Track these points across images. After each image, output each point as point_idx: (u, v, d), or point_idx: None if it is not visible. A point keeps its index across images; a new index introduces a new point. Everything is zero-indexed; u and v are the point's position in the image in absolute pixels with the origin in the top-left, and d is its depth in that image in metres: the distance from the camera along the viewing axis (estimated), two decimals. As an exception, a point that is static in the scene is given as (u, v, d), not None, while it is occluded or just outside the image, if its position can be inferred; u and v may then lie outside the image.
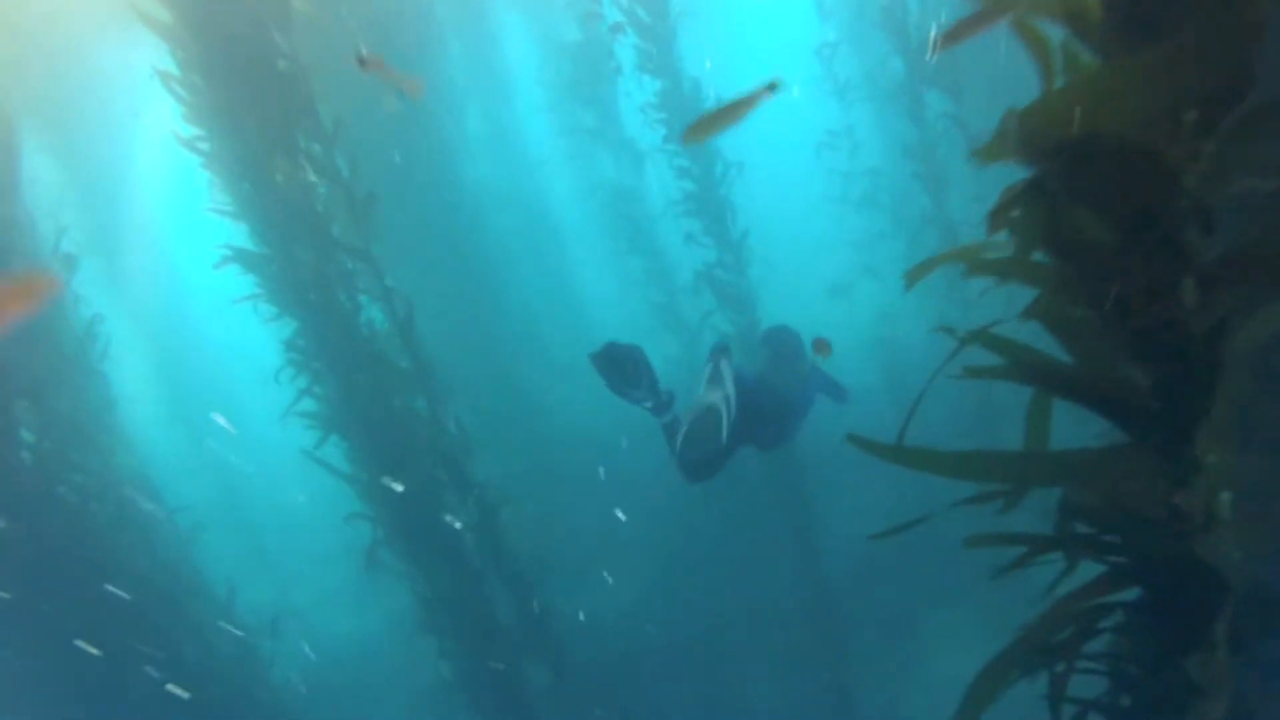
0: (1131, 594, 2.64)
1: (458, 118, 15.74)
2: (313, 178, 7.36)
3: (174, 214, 20.24)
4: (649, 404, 6.25)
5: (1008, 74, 10.45)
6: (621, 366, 5.98)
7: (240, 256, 7.80)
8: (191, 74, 7.31)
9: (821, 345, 7.31)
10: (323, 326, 7.76)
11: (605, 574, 11.82)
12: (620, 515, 11.55)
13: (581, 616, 10.78)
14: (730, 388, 6.31)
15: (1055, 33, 2.32)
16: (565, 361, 15.44)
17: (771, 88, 3.33)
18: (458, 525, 8.29)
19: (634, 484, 12.90)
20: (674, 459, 6.33)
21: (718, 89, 10.75)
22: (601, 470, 12.49)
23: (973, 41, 2.62)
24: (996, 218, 2.44)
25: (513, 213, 16.99)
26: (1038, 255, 2.45)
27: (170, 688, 7.57)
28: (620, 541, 12.27)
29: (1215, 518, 2.34)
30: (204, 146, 7.78)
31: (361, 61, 3.58)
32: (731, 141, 10.70)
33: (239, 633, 9.01)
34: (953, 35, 2.57)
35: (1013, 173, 2.39)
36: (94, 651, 7.13)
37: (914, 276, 3.02)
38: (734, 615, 10.59)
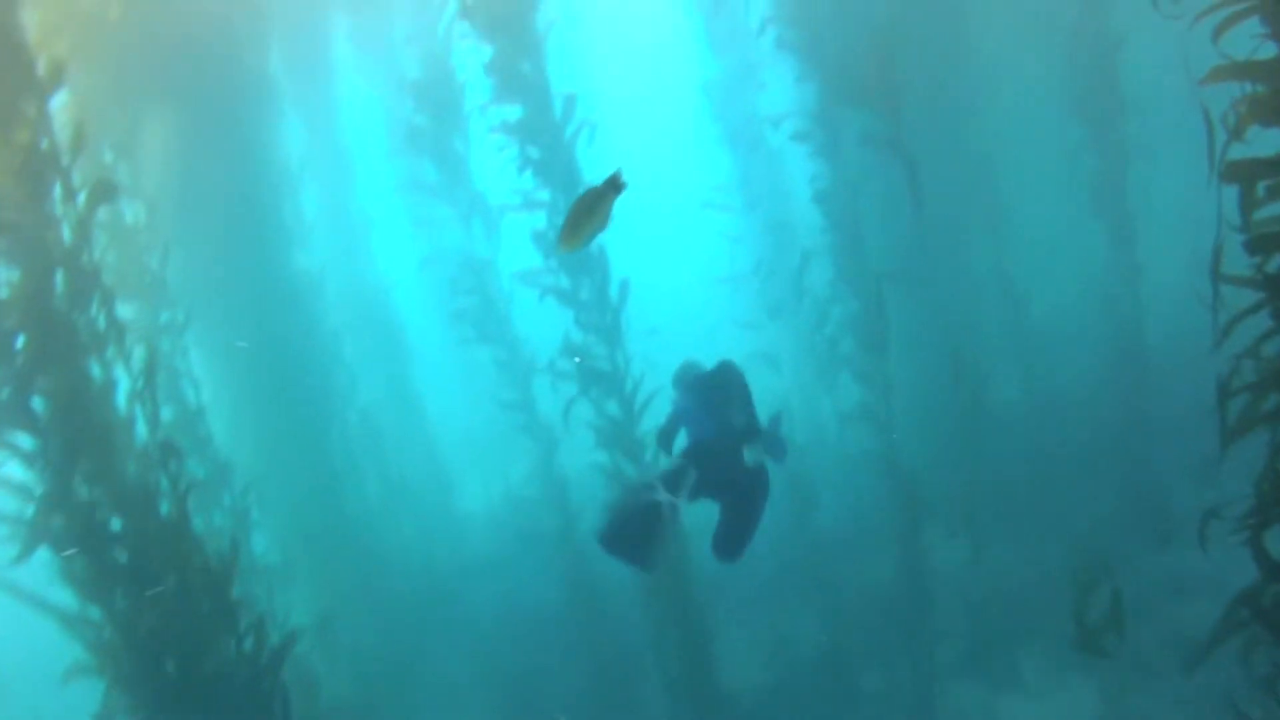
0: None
1: (293, 196, 13.85)
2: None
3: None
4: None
5: (952, 87, 8.74)
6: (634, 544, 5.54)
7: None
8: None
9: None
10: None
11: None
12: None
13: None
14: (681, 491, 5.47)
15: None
16: (401, 479, 14.64)
17: (615, 185, 3.42)
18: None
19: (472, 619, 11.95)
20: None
21: (596, 128, 8.68)
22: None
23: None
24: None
25: (348, 302, 15.17)
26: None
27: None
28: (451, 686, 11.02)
29: None
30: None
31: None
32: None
33: None
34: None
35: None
36: None
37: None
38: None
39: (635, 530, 5.55)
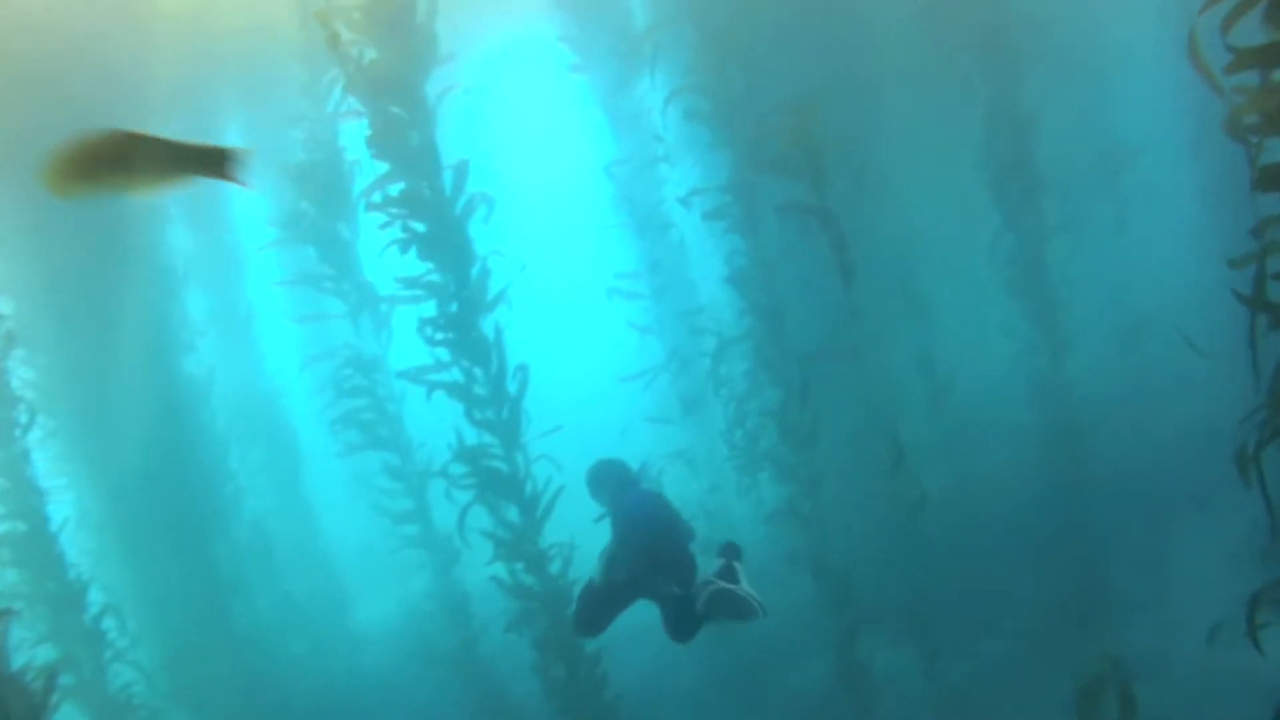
0: None
1: (176, 296, 13.19)
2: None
3: None
4: None
5: (882, 156, 8.17)
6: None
7: None
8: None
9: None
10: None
11: None
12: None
13: None
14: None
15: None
16: (293, 594, 13.92)
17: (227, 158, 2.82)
18: None
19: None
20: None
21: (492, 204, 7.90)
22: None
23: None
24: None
25: (236, 407, 14.34)
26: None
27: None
28: None
29: None
30: None
31: None
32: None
33: None
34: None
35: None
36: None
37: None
38: None
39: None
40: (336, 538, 16.25)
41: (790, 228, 7.61)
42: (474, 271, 7.31)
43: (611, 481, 6.39)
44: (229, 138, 16.28)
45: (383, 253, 7.88)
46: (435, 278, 7.44)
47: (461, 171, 7.35)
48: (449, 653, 11.11)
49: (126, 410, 11.39)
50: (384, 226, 7.44)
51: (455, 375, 7.60)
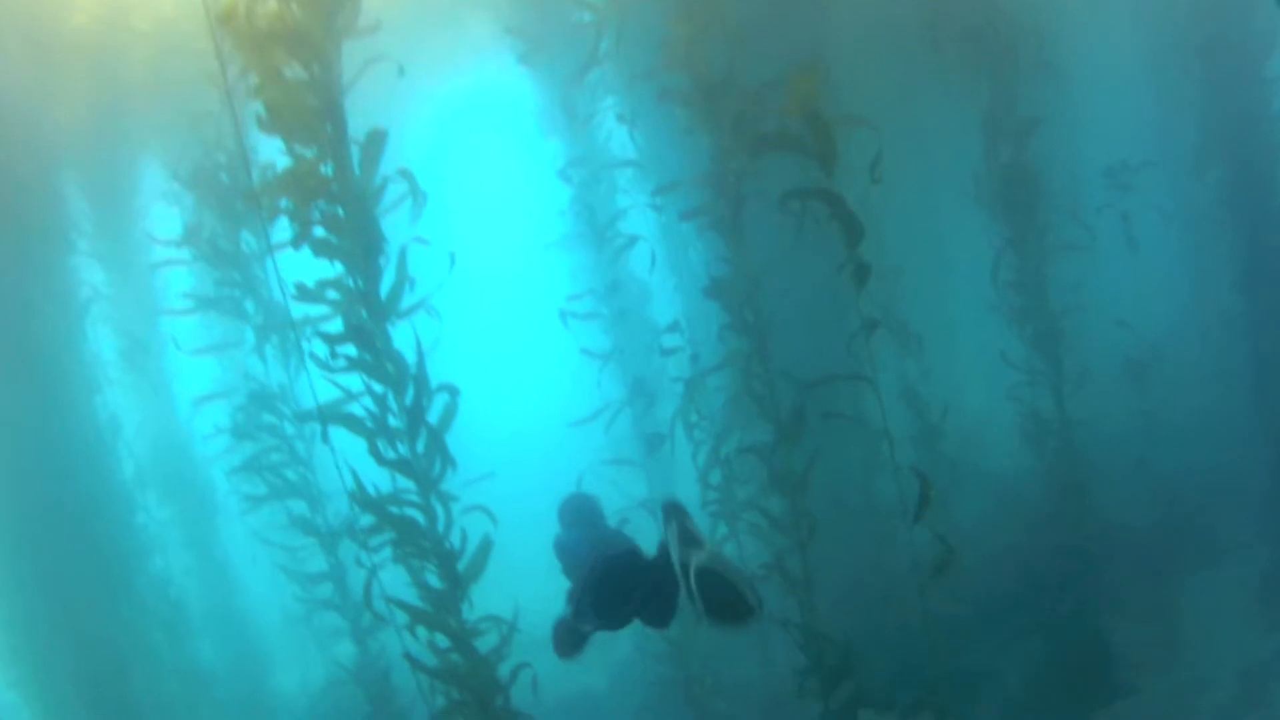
0: None
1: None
2: None
3: None
4: None
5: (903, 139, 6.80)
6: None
7: None
8: None
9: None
10: None
11: None
12: None
13: None
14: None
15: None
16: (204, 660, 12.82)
17: None
18: None
19: None
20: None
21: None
22: None
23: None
24: None
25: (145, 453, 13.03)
26: None
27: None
28: None
29: None
30: None
31: None
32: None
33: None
34: None
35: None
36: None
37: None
38: None
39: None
40: (258, 597, 14.58)
41: (783, 226, 6.18)
42: (385, 265, 5.75)
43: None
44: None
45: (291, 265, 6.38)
46: (342, 279, 5.85)
47: (375, 145, 5.83)
48: (374, 730, 9.72)
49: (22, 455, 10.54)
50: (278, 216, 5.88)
51: (362, 404, 6.02)
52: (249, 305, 9.49)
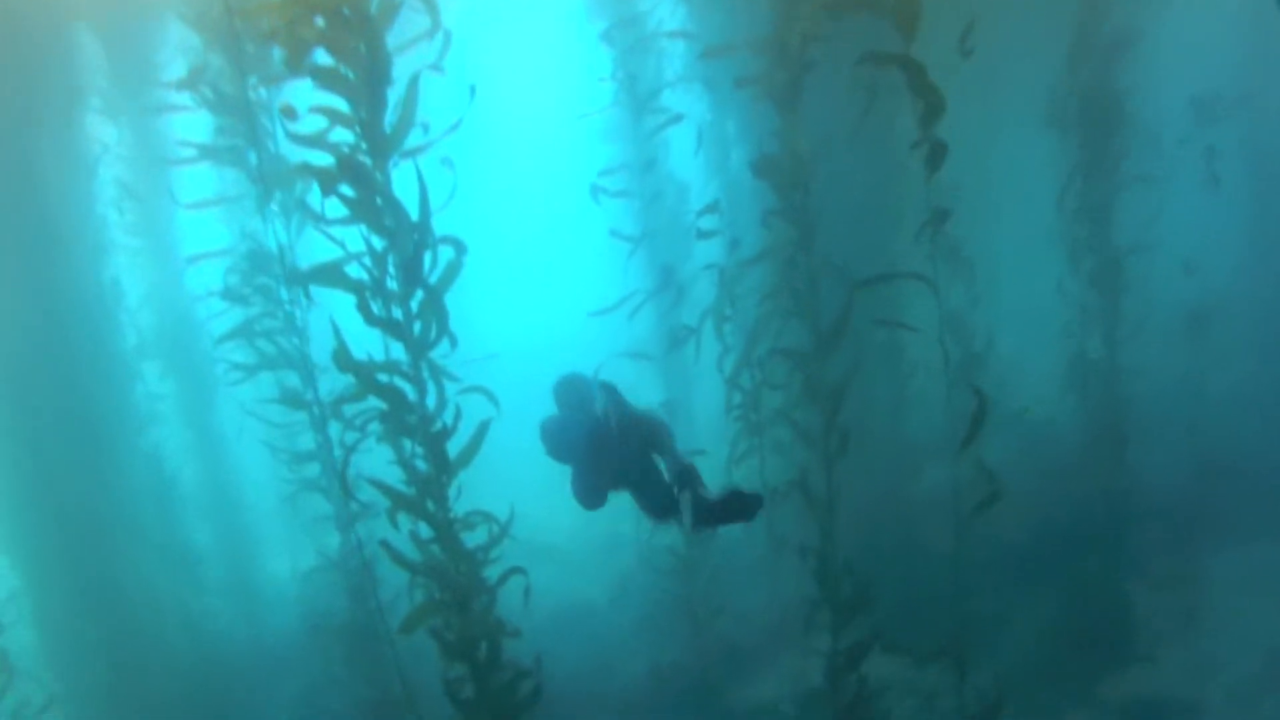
0: None
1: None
2: None
3: None
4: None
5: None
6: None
7: None
8: None
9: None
10: None
11: None
12: None
13: None
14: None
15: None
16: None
17: None
18: None
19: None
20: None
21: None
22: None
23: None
24: None
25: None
26: None
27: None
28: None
29: None
30: None
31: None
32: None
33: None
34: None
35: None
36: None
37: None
38: None
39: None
40: (254, 478, 14.10)
41: (849, 101, 5.37)
42: (391, 95, 4.96)
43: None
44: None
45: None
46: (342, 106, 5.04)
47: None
48: (346, 626, 9.40)
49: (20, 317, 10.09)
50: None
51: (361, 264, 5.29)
52: (252, 157, 8.73)
